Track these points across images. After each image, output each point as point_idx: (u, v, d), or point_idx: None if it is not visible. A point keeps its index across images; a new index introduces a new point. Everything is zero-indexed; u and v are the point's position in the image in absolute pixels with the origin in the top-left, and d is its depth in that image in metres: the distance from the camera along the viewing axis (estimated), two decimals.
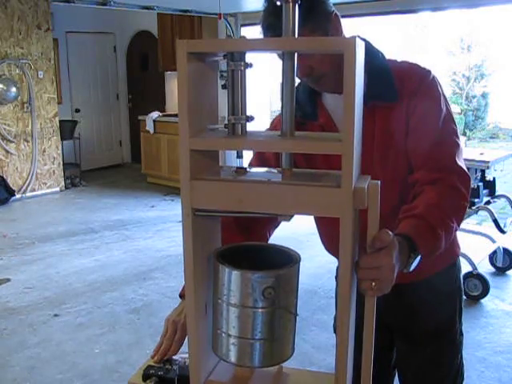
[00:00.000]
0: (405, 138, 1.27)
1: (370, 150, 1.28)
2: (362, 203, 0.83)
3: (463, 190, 1.19)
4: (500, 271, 4.21)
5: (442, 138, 1.25)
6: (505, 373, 2.84)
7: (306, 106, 1.36)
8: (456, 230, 1.18)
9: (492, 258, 4.21)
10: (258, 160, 1.36)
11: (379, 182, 0.87)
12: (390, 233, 0.91)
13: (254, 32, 6.78)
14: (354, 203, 0.82)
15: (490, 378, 2.80)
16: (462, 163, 1.23)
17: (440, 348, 1.45)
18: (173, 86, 8.04)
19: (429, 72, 1.29)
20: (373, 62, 1.28)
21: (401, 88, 1.25)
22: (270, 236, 1.39)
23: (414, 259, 1.03)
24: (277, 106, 10.67)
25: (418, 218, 1.10)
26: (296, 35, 0.83)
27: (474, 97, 12.52)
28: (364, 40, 1.32)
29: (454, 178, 1.19)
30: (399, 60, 1.33)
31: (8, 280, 4.13)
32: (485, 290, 3.65)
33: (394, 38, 10.72)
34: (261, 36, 1.22)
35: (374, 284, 0.89)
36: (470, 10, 6.81)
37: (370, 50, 1.30)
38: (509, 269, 4.20)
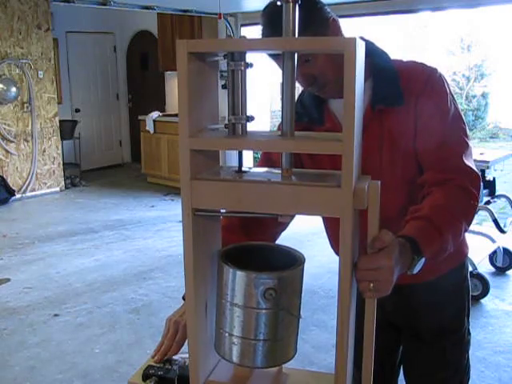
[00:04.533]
0: (414, 139, 1.25)
1: (378, 153, 1.28)
2: (362, 203, 0.82)
3: (472, 190, 1.17)
4: (500, 271, 4.21)
5: (450, 137, 1.23)
6: (505, 373, 2.84)
7: (312, 111, 1.34)
8: (465, 231, 1.16)
9: (492, 257, 4.21)
10: (265, 162, 1.34)
11: (379, 182, 0.86)
12: (390, 233, 0.90)
13: (254, 32, 6.78)
14: (354, 203, 0.81)
15: (490, 377, 2.80)
16: (470, 163, 1.21)
17: (449, 347, 1.45)
18: (173, 86, 8.03)
19: (435, 70, 1.27)
20: (378, 65, 1.27)
21: (407, 88, 1.24)
22: (276, 239, 1.37)
23: (417, 261, 1.02)
24: (277, 106, 10.67)
25: (424, 220, 1.08)
26: (296, 35, 0.83)
27: (473, 97, 12.51)
28: (368, 41, 1.31)
29: (462, 178, 1.18)
30: (405, 60, 1.32)
31: (8, 280, 4.13)
32: (485, 290, 3.65)
33: (394, 37, 10.73)
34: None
35: (372, 285, 0.88)
36: (469, 9, 6.82)
37: (375, 52, 1.30)
38: (509, 269, 4.20)
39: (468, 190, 1.17)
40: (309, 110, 1.35)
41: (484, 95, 12.55)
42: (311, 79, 1.23)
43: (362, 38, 1.30)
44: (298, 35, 0.83)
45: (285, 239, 1.40)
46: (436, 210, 1.11)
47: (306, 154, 1.32)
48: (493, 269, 4.22)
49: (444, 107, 1.25)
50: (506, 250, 4.16)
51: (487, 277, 3.75)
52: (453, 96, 1.28)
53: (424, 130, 1.24)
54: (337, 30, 1.23)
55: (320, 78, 1.22)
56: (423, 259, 1.04)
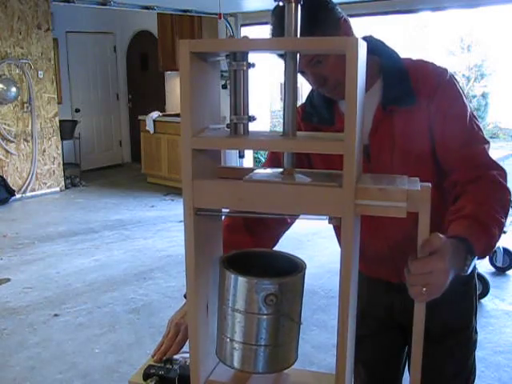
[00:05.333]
0: (428, 140, 1.24)
1: (389, 155, 1.27)
2: (415, 206, 0.81)
3: (505, 184, 1.17)
4: (500, 271, 4.21)
5: (471, 135, 1.23)
6: (505, 373, 2.84)
7: (322, 112, 1.34)
8: (504, 225, 1.16)
9: (492, 257, 4.20)
10: (272, 161, 1.33)
11: (430, 184, 0.85)
12: (441, 236, 0.89)
13: (254, 32, 6.78)
14: (408, 206, 0.81)
15: (490, 377, 2.80)
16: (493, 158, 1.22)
17: (457, 346, 1.44)
18: (173, 86, 8.04)
19: (445, 71, 1.27)
20: (388, 65, 1.27)
21: (417, 88, 1.23)
22: (279, 239, 1.37)
23: (471, 261, 1.01)
24: (277, 106, 10.67)
25: (470, 218, 1.07)
26: (298, 35, 0.83)
27: (474, 97, 12.51)
28: (378, 41, 1.30)
29: (493, 173, 1.17)
30: (414, 58, 1.30)
31: (8, 280, 4.13)
32: (485, 290, 3.65)
33: (394, 37, 10.72)
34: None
35: (424, 290, 0.87)
36: (469, 9, 6.82)
37: (385, 51, 1.29)
38: (509, 269, 4.20)
39: (501, 183, 1.17)
40: (319, 111, 1.34)
41: (484, 95, 12.56)
42: (322, 80, 1.22)
43: (371, 38, 1.30)
44: (308, 35, 0.82)
45: (285, 239, 1.40)
46: (478, 206, 1.10)
47: (316, 154, 1.32)
48: (493, 269, 4.22)
49: (461, 107, 1.25)
50: (505, 250, 4.16)
51: (487, 277, 3.75)
52: (465, 95, 1.28)
53: (444, 131, 1.23)
54: (348, 31, 1.23)
55: (331, 79, 1.22)
56: (475, 258, 1.03)
